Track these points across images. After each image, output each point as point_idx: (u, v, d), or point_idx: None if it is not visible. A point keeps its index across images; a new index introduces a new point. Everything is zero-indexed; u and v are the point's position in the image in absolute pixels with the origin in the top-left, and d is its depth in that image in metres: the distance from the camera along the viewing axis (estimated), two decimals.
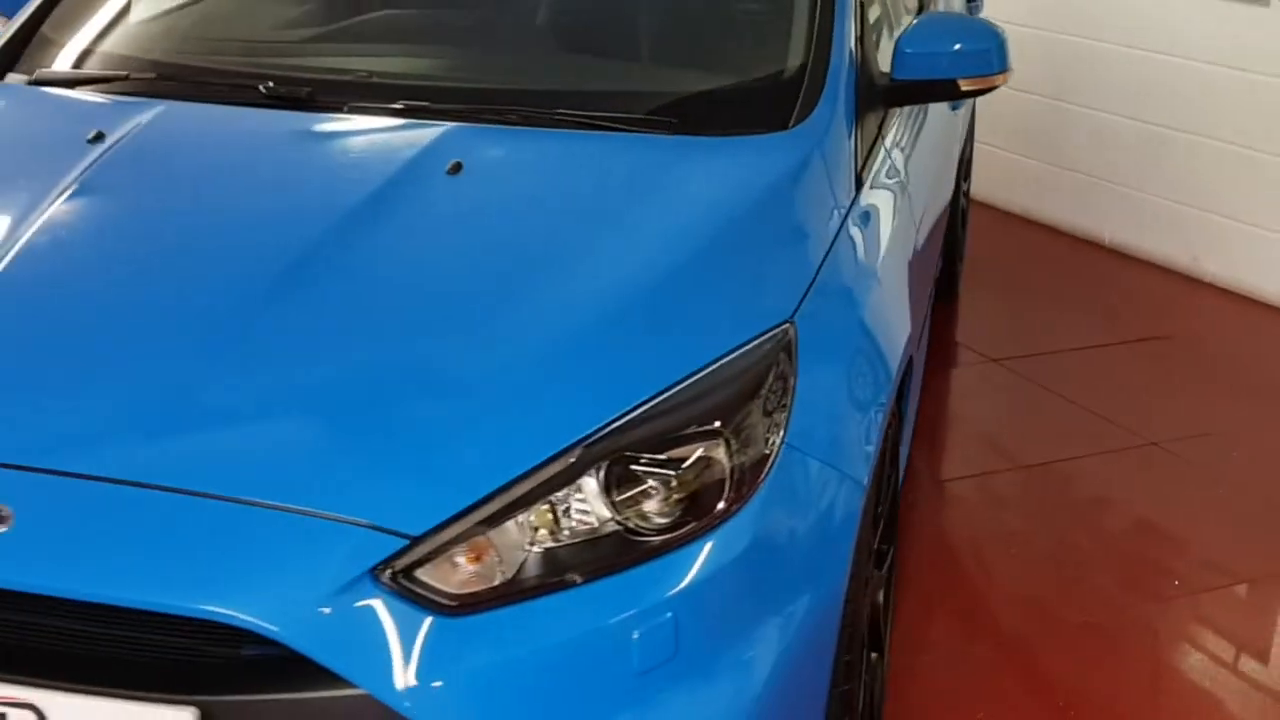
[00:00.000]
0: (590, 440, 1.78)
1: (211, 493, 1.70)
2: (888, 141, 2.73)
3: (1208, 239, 5.20)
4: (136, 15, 2.89)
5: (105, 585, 1.67)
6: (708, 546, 1.79)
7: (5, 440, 1.77)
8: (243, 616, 1.62)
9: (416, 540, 1.68)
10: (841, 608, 1.98)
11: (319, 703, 1.65)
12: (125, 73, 2.61)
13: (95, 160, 2.29)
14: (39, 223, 2.14)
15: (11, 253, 2.07)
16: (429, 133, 2.35)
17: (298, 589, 1.65)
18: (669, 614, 1.76)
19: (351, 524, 1.68)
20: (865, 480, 2.05)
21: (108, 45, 2.82)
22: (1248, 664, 2.95)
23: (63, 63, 2.74)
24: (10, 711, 1.70)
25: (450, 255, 2.11)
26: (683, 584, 1.76)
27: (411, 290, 2.02)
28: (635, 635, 1.73)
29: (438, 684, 1.65)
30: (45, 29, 2.83)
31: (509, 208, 2.21)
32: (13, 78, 2.72)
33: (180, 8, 2.96)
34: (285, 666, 1.66)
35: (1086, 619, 3.02)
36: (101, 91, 2.60)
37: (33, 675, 1.69)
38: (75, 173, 2.25)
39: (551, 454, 1.76)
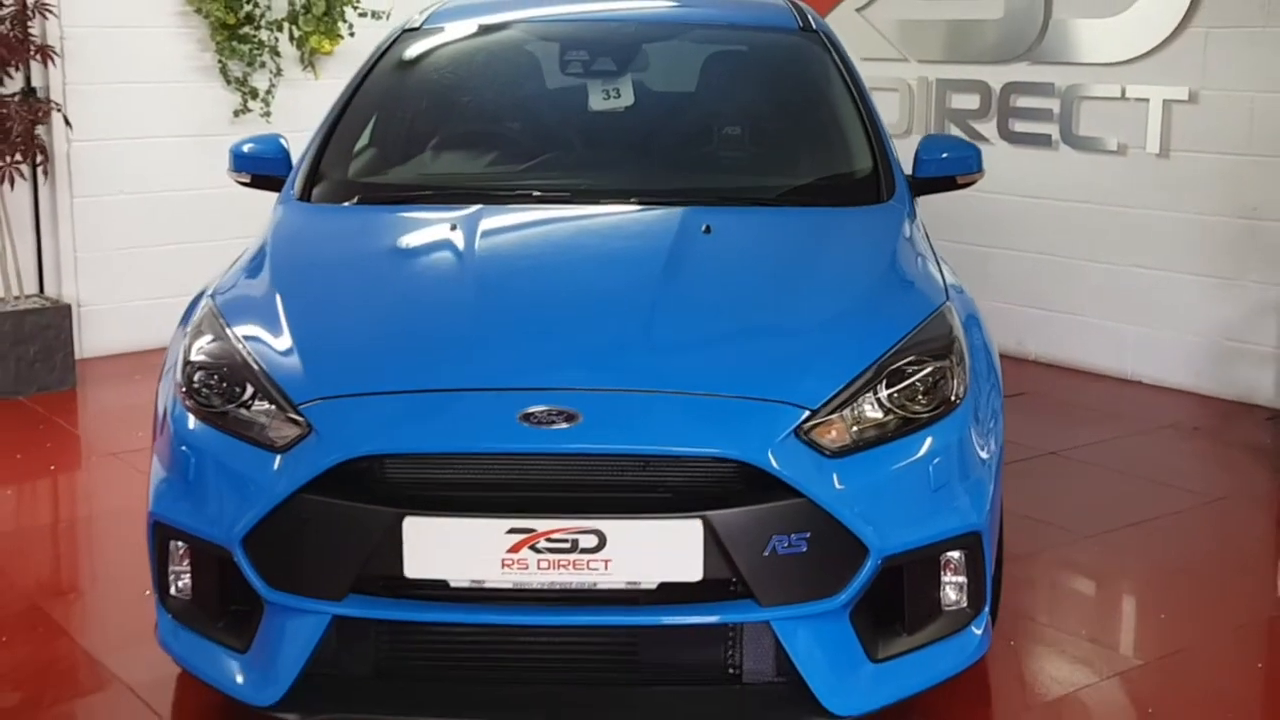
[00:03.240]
0: (879, 360, 3.00)
1: (697, 392, 2.87)
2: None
3: (1029, 327, 6.81)
4: (392, 153, 4.07)
5: (645, 444, 2.79)
6: (952, 420, 3.03)
7: (570, 377, 2.91)
8: (740, 456, 2.77)
9: (813, 413, 2.86)
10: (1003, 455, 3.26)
11: (771, 509, 2.77)
12: (431, 190, 3.76)
13: (472, 235, 3.42)
14: (475, 266, 3.29)
15: (474, 279, 3.24)
16: (674, 212, 3.60)
17: (764, 439, 2.80)
18: (939, 458, 2.98)
19: (784, 404, 2.87)
20: (1000, 388, 3.34)
21: (379, 176, 3.96)
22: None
23: (359, 191, 3.88)
24: (581, 536, 2.74)
25: (743, 269, 3.38)
26: (945, 440, 3.00)
27: (740, 287, 3.27)
28: (929, 468, 2.95)
29: (840, 489, 2.82)
30: (322, 169, 3.92)
31: (756, 246, 3.51)
32: (319, 200, 3.86)
33: (415, 151, 4.13)
34: (749, 491, 2.79)
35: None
36: (415, 204, 3.74)
37: (595, 511, 2.75)
38: (468, 241, 3.38)
39: (864, 368, 2.98)
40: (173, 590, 3.11)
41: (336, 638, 2.88)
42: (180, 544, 3.05)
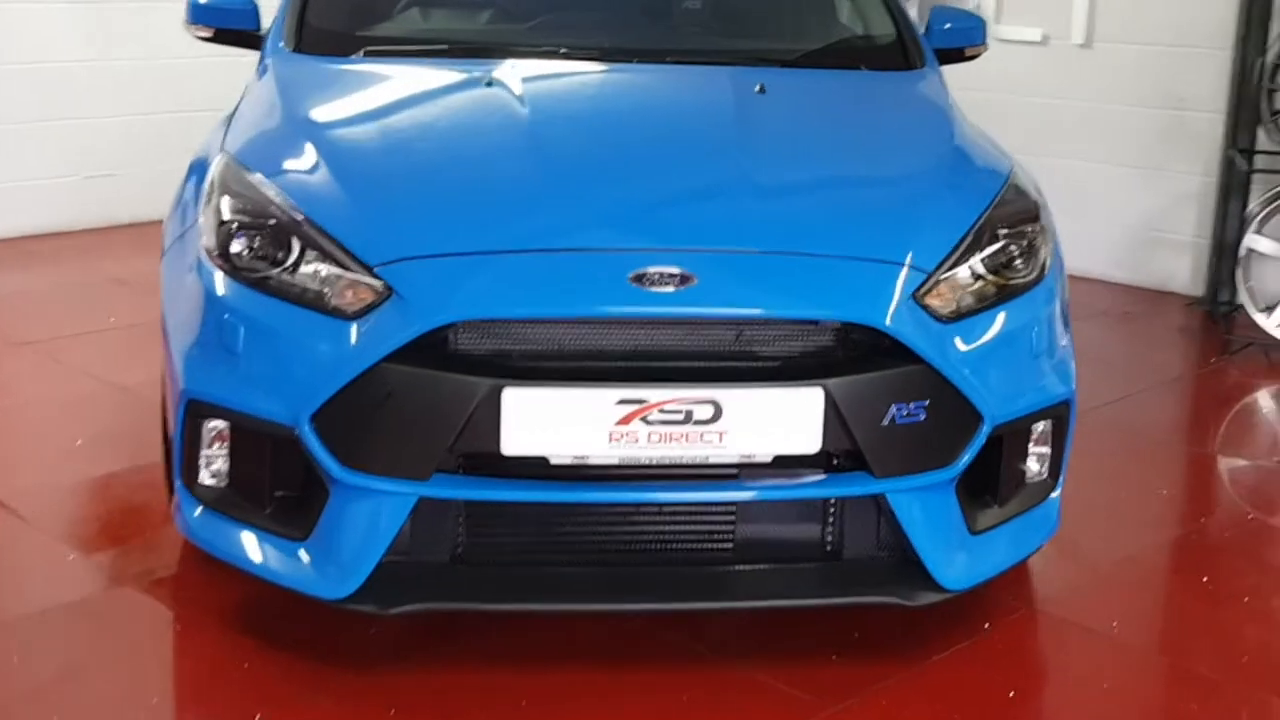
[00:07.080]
0: (976, 224, 2.86)
1: (815, 252, 2.68)
2: None
3: None
4: (379, 8, 3.72)
5: (767, 308, 2.60)
6: (1044, 287, 2.93)
7: (682, 236, 2.70)
8: (865, 320, 2.60)
9: (929, 274, 2.70)
10: None
11: (892, 375, 2.62)
12: (446, 45, 3.44)
13: (518, 88, 3.12)
14: (535, 119, 3.02)
15: (540, 132, 2.98)
16: (719, 71, 3.40)
17: (885, 303, 2.63)
18: (1037, 326, 2.88)
19: (903, 266, 2.70)
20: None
21: (375, 30, 3.59)
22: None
23: (364, 44, 3.49)
24: (696, 407, 2.53)
25: (813, 129, 3.20)
26: (1041, 308, 2.90)
27: (820, 147, 3.10)
28: (1031, 335, 2.84)
29: (959, 354, 2.68)
30: (308, 21, 3.55)
31: (817, 107, 3.33)
32: (317, 53, 3.46)
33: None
34: (864, 358, 2.62)
35: None
36: (432, 58, 3.40)
37: (709, 380, 2.55)
38: (516, 94, 3.10)
39: (965, 231, 2.83)
40: (204, 476, 2.77)
41: (411, 522, 2.62)
42: (217, 424, 2.72)
